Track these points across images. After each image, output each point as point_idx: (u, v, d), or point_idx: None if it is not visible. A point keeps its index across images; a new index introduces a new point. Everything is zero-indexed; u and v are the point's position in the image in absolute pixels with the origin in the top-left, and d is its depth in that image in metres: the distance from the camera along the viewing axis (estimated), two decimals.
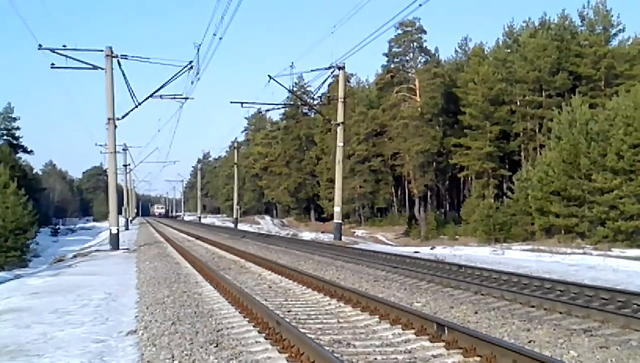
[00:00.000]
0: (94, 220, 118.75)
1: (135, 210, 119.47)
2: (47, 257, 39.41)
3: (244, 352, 7.12)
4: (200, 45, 27.11)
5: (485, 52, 58.40)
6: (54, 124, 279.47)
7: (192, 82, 31.96)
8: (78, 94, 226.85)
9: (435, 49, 59.94)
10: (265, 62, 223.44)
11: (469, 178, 56.15)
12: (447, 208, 65.63)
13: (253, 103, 44.07)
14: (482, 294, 11.69)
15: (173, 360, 6.81)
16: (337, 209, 34.80)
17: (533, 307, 10.17)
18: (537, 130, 51.49)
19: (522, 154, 52.76)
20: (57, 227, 77.90)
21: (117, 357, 7.30)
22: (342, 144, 35.22)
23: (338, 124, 35.02)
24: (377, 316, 9.06)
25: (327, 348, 6.95)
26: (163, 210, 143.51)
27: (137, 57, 28.56)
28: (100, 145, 56.94)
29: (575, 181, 36.45)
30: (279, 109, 77.23)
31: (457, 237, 47.80)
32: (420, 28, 54.97)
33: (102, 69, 27.94)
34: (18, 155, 75.29)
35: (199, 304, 10.87)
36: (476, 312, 9.68)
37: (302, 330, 7.88)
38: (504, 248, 28.77)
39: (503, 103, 52.21)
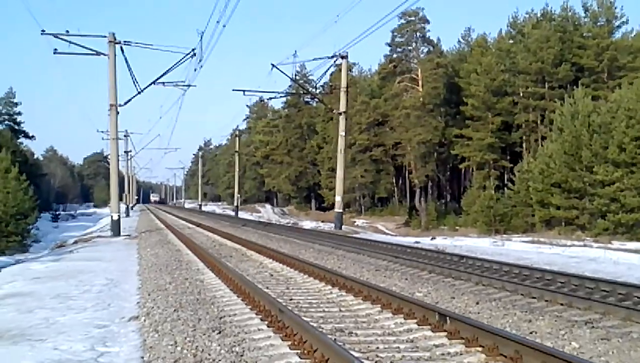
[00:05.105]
0: (95, 206, 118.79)
1: (136, 197, 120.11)
2: (48, 242, 39.49)
3: (246, 339, 7.14)
4: (203, 32, 27.16)
5: (488, 43, 58.16)
6: (56, 110, 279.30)
7: (194, 70, 32.17)
8: (80, 79, 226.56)
9: (437, 39, 59.68)
10: (268, 51, 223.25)
11: (470, 169, 56.06)
12: (448, 199, 65.58)
13: (255, 91, 44.23)
14: (483, 285, 11.72)
15: (176, 347, 6.82)
16: (338, 198, 34.79)
17: (534, 298, 10.19)
18: (539, 122, 51.36)
19: (524, 145, 52.63)
20: (58, 212, 77.78)
21: (120, 342, 7.33)
22: (343, 133, 35.13)
23: (340, 113, 34.92)
24: (379, 305, 9.07)
25: (329, 336, 6.97)
26: (158, 198, 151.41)
27: (139, 43, 28.49)
28: (102, 132, 56.80)
29: (577, 173, 36.43)
30: (281, 97, 77.08)
31: (457, 227, 47.77)
32: (423, 18, 54.78)
33: (105, 55, 27.85)
34: (19, 140, 75.16)
35: (201, 291, 10.89)
36: (477, 303, 9.71)
37: (305, 318, 7.90)
38: (504, 240, 28.78)
39: (505, 94, 52.10)
